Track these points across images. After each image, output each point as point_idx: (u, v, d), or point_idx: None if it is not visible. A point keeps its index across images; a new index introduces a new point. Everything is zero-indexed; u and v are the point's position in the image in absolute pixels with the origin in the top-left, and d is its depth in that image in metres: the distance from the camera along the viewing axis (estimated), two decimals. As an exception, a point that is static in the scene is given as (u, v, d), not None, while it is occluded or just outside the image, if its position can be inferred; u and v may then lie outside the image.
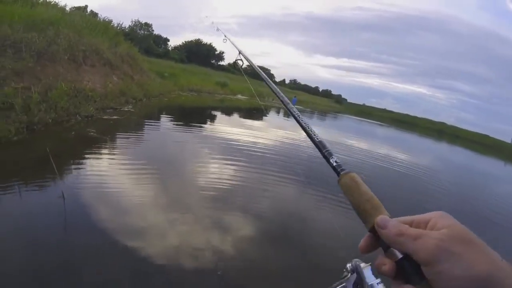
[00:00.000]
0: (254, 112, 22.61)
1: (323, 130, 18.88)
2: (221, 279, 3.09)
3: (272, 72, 76.26)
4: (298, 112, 0.83)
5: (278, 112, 24.73)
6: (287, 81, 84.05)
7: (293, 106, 0.89)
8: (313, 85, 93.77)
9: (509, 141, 54.28)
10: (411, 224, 0.51)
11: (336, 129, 22.65)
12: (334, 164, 0.64)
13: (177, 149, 7.62)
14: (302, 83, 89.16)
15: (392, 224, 0.51)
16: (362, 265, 0.62)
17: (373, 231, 0.54)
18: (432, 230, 0.48)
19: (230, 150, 8.12)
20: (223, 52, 61.08)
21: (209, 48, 58.08)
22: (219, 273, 3.15)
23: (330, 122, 29.31)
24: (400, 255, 0.50)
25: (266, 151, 8.85)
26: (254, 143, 9.68)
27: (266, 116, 21.88)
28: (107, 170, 5.15)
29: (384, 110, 77.56)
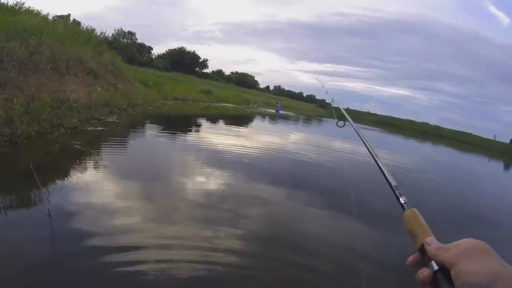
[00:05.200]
0: (243, 119, 22.59)
1: (311, 136, 18.90)
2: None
3: (256, 78, 76.28)
4: (382, 164, 1.00)
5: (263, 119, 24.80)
6: (271, 88, 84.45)
7: (379, 159, 1.04)
8: (297, 91, 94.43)
9: (493, 138, 54.63)
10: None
11: (323, 134, 22.45)
12: (402, 202, 0.82)
13: (164, 159, 7.50)
14: (286, 89, 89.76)
15: (435, 242, 0.65)
16: None
17: (420, 250, 0.67)
18: None
19: (217, 158, 8.09)
20: (207, 60, 61.22)
21: (193, 56, 58.03)
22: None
23: (315, 128, 29.26)
24: (436, 267, 0.62)
25: (255, 157, 8.84)
26: (242, 149, 9.64)
27: (252, 122, 21.95)
28: (94, 184, 4.96)
29: (368, 113, 77.77)
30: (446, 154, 25.81)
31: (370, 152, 1.14)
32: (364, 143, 1.25)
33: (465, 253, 0.57)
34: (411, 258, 0.68)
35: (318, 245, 4.37)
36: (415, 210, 0.76)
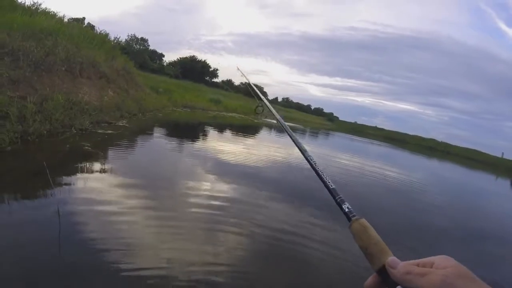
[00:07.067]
0: (248, 129, 22.57)
1: (317, 148, 18.79)
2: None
3: (265, 90, 76.72)
4: (315, 160, 0.87)
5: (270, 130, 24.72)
6: (279, 99, 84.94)
7: (309, 155, 0.91)
8: (305, 103, 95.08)
9: (500, 156, 54.14)
10: (417, 265, 0.56)
11: (329, 147, 22.29)
12: (346, 210, 0.69)
13: (171, 165, 7.48)
14: (295, 101, 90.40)
15: (401, 264, 0.57)
16: None
17: (379, 272, 0.59)
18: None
19: (224, 167, 8.13)
20: (217, 69, 61.85)
21: (204, 65, 58.62)
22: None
23: (322, 140, 29.00)
24: None
25: (260, 168, 8.83)
26: (248, 158, 9.72)
27: (259, 133, 21.91)
28: (102, 186, 4.95)
29: (376, 128, 77.52)
30: (458, 172, 25.55)
31: (298, 147, 0.97)
32: (289, 135, 1.10)
33: (448, 283, 0.50)
34: (370, 282, 0.61)
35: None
36: (364, 221, 0.66)
